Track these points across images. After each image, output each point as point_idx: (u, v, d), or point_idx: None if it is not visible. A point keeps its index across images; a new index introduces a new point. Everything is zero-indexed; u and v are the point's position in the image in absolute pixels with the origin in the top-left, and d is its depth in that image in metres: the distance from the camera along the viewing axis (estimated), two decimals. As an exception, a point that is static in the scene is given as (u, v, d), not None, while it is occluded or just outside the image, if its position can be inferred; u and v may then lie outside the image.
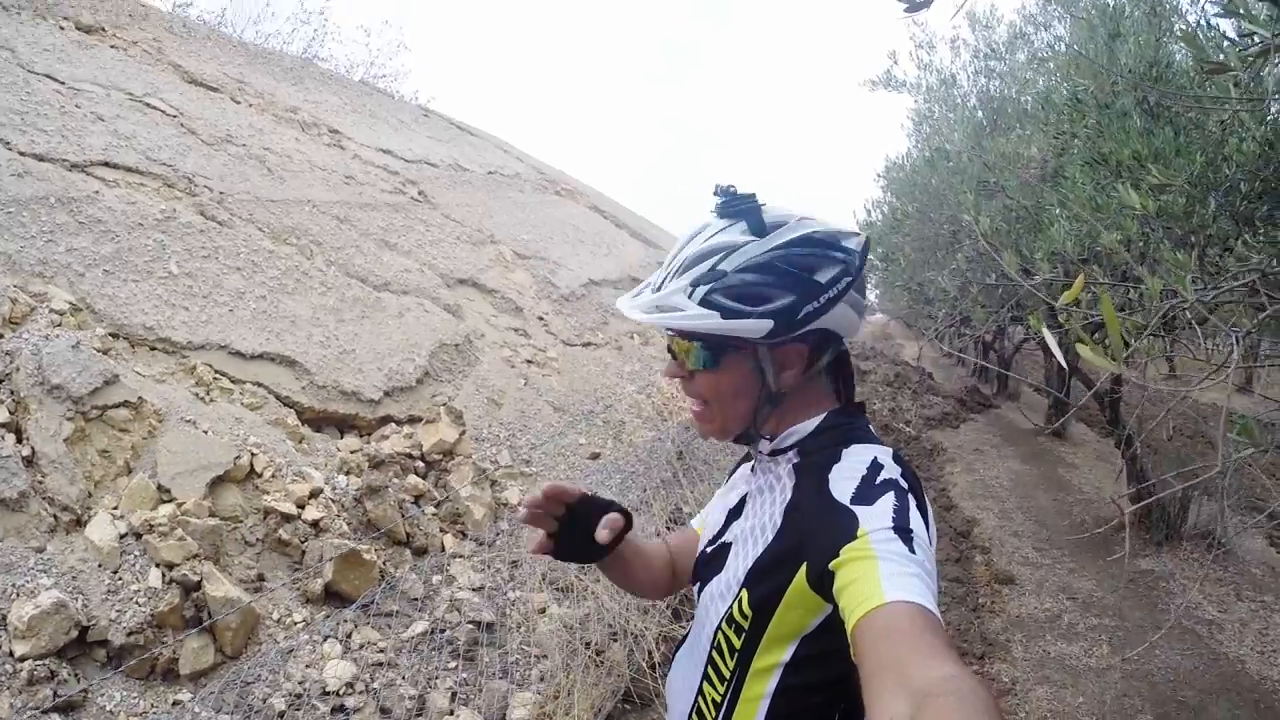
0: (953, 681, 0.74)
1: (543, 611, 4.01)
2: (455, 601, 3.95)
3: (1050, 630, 4.93)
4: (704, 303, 1.13)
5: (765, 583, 1.13)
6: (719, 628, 1.20)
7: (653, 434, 6.66)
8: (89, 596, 3.08)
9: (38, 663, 2.75)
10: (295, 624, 3.55)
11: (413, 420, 5.27)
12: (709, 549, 1.33)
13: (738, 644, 1.17)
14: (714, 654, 1.21)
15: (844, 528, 0.99)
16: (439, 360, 5.99)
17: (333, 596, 3.79)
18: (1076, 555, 6.14)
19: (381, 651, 3.53)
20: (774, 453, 1.24)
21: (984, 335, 11.80)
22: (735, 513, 1.31)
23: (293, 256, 5.85)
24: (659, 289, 1.19)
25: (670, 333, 1.23)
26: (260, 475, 3.98)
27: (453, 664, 3.57)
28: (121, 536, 3.32)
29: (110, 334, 4.19)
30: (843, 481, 1.08)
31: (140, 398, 3.84)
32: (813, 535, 1.06)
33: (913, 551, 0.94)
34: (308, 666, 3.31)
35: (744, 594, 1.15)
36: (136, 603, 3.13)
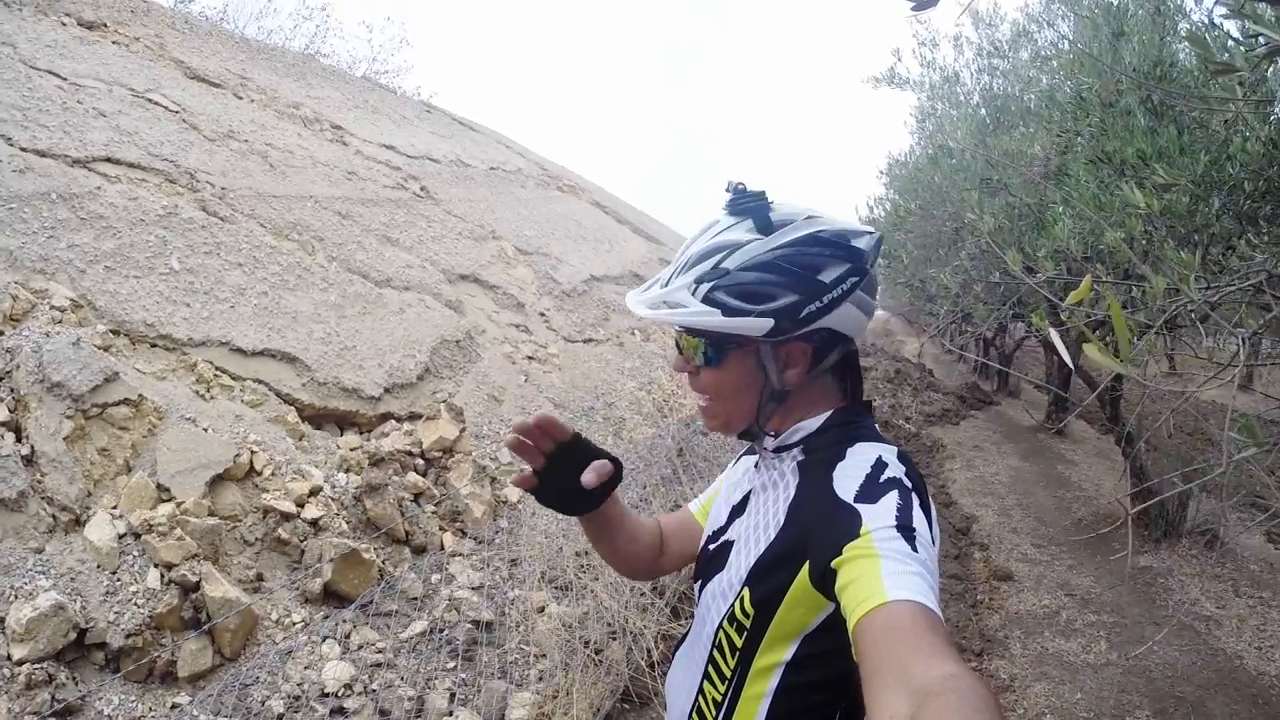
0: (953, 680, 0.74)
1: (542, 610, 4.01)
2: (454, 601, 3.95)
3: (1048, 627, 4.93)
4: (706, 300, 1.13)
5: (767, 581, 1.13)
6: (720, 626, 1.20)
7: (653, 430, 6.66)
8: (87, 598, 3.07)
9: (36, 666, 2.75)
10: (294, 624, 3.55)
11: (413, 417, 5.26)
12: (711, 546, 1.33)
13: (739, 642, 1.16)
14: (715, 652, 1.21)
15: (847, 526, 0.99)
16: (440, 357, 5.99)
17: (331, 596, 3.78)
18: (1075, 552, 6.14)
19: (380, 652, 3.53)
20: (778, 449, 1.24)
21: (985, 332, 11.79)
22: (738, 510, 1.30)
23: (294, 252, 5.84)
24: (666, 285, 1.19)
25: (678, 328, 1.22)
26: (260, 473, 3.98)
27: (451, 664, 3.57)
28: (120, 537, 3.31)
29: (111, 331, 4.19)
30: (847, 479, 1.08)
31: (140, 395, 3.83)
32: (816, 533, 1.06)
33: (915, 550, 0.93)
34: (306, 668, 3.31)
35: (746, 592, 1.15)
36: (135, 604, 3.13)
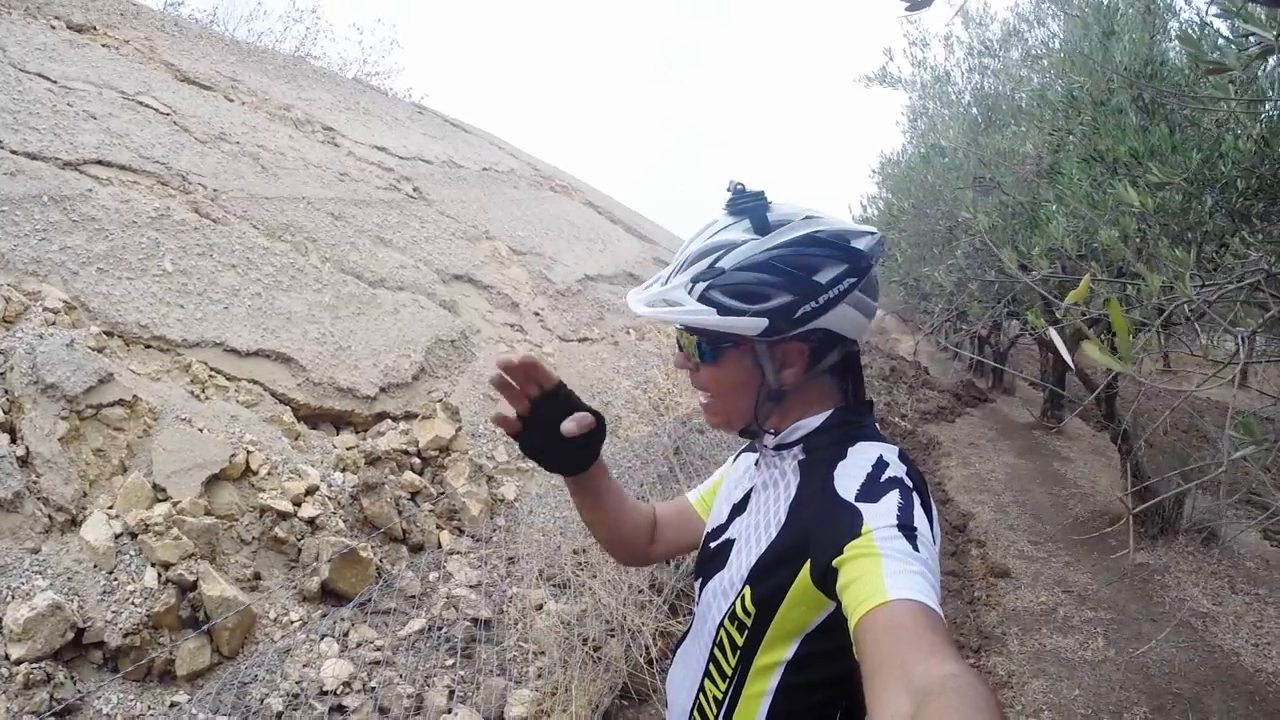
0: (954, 680, 0.74)
1: (540, 608, 4.01)
2: (452, 599, 3.95)
3: (1046, 623, 4.95)
4: (702, 299, 1.14)
5: (768, 580, 1.13)
6: (721, 625, 1.20)
7: (649, 429, 6.66)
8: (85, 598, 3.07)
9: (34, 666, 2.74)
10: (292, 623, 3.55)
11: (409, 416, 5.26)
12: (712, 544, 1.33)
13: (740, 641, 1.17)
14: (716, 651, 1.21)
15: (848, 525, 1.00)
16: (435, 356, 5.99)
17: (329, 595, 3.78)
18: (1072, 549, 6.16)
19: (379, 650, 3.53)
20: (778, 447, 1.24)
21: (979, 330, 11.83)
22: (739, 508, 1.31)
23: (287, 253, 5.83)
24: (666, 283, 1.19)
25: (679, 326, 1.23)
26: (256, 473, 3.97)
27: (450, 661, 3.57)
28: (117, 536, 3.31)
29: (104, 332, 4.18)
30: (848, 479, 1.09)
31: (135, 396, 3.83)
32: (817, 532, 1.06)
33: (916, 549, 0.94)
34: (305, 666, 3.31)
35: (747, 591, 1.15)
36: (132, 603, 3.12)
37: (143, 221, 5.02)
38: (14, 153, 4.82)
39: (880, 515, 0.99)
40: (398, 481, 4.49)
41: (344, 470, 4.46)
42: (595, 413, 1.30)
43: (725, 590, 1.20)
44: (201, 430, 3.99)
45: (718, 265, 1.14)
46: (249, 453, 4.01)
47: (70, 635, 2.90)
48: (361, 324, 5.72)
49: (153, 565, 3.27)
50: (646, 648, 3.67)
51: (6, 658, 2.77)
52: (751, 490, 1.30)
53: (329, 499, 4.11)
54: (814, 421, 1.22)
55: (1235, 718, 3.96)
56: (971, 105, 6.76)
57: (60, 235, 4.50)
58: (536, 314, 8.07)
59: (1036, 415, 11.37)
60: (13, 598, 2.91)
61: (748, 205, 1.16)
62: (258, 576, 3.65)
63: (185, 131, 6.45)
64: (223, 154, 6.53)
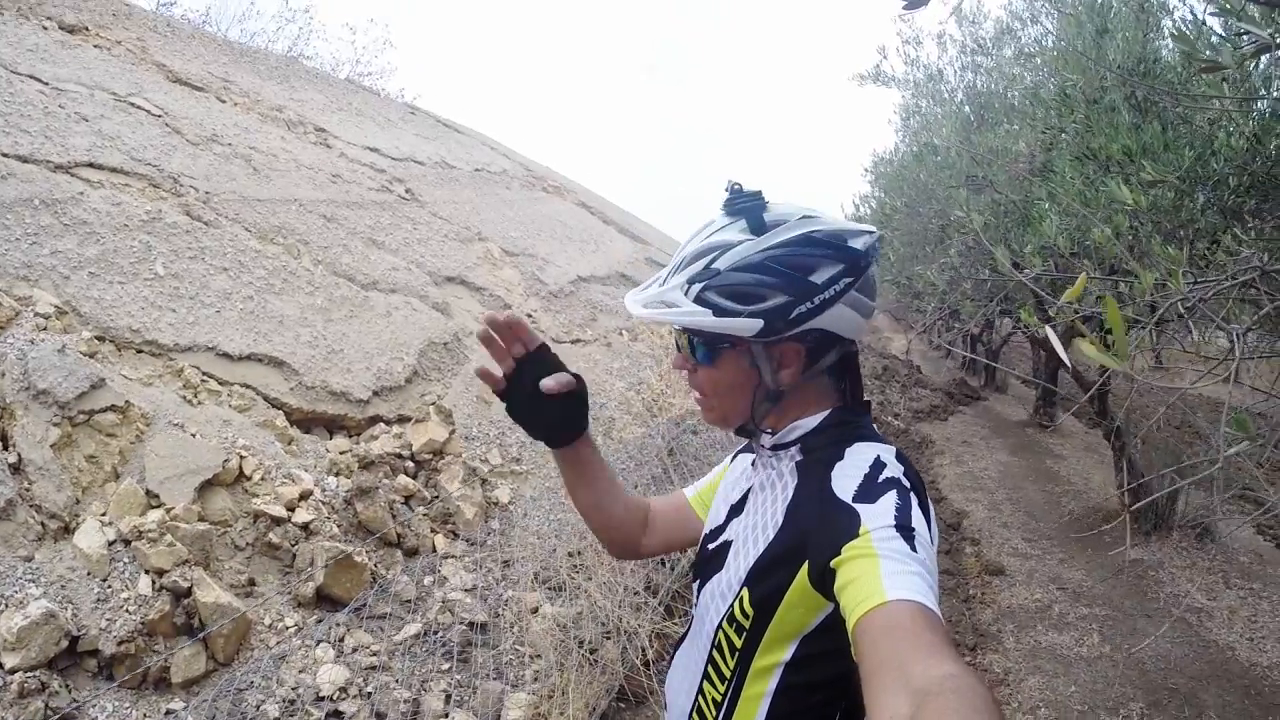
0: (953, 680, 0.74)
1: (535, 611, 4.00)
2: (448, 602, 3.94)
3: (1041, 620, 4.96)
4: (698, 300, 1.13)
5: (766, 581, 1.13)
6: (720, 626, 1.20)
7: (642, 430, 6.65)
8: (79, 606, 3.05)
9: (28, 675, 2.73)
10: (287, 628, 3.54)
11: (402, 420, 5.25)
12: (710, 546, 1.33)
13: (739, 643, 1.17)
14: (714, 653, 1.21)
15: (846, 526, 1.00)
16: (428, 359, 5.97)
17: (324, 600, 3.77)
18: (1066, 546, 6.18)
19: (374, 655, 3.52)
20: (775, 448, 1.24)
21: (972, 329, 11.85)
22: (737, 509, 1.30)
23: (280, 256, 5.81)
24: (664, 284, 1.19)
25: (676, 327, 1.22)
26: (249, 478, 3.96)
27: (446, 666, 3.56)
28: (110, 543, 3.29)
29: (96, 337, 4.16)
30: (845, 479, 1.09)
31: (127, 401, 3.81)
32: (814, 533, 1.06)
33: (914, 550, 0.94)
34: (301, 672, 3.30)
35: (745, 593, 1.15)
36: (127, 611, 3.11)
37: (134, 225, 5.00)
38: (5, 155, 4.79)
39: (878, 516, 0.99)
40: (391, 485, 4.48)
41: (337, 474, 4.45)
42: (576, 375, 1.33)
43: (723, 592, 1.20)
44: (194, 435, 3.97)
45: (713, 266, 1.13)
46: (242, 458, 3.99)
47: (64, 644, 2.88)
48: (354, 327, 5.70)
49: (147, 572, 3.26)
50: (643, 650, 3.67)
51: (1, 667, 2.75)
52: (749, 491, 1.30)
53: (323, 504, 4.10)
54: (811, 422, 1.21)
55: (1231, 712, 3.98)
56: (964, 103, 6.76)
57: (51, 239, 4.48)
58: (529, 315, 8.06)
59: (1029, 413, 11.40)
60: (6, 606, 2.89)
61: (744, 205, 1.15)
62: (252, 582, 3.64)
63: (177, 133, 6.42)
64: (215, 156, 6.51)
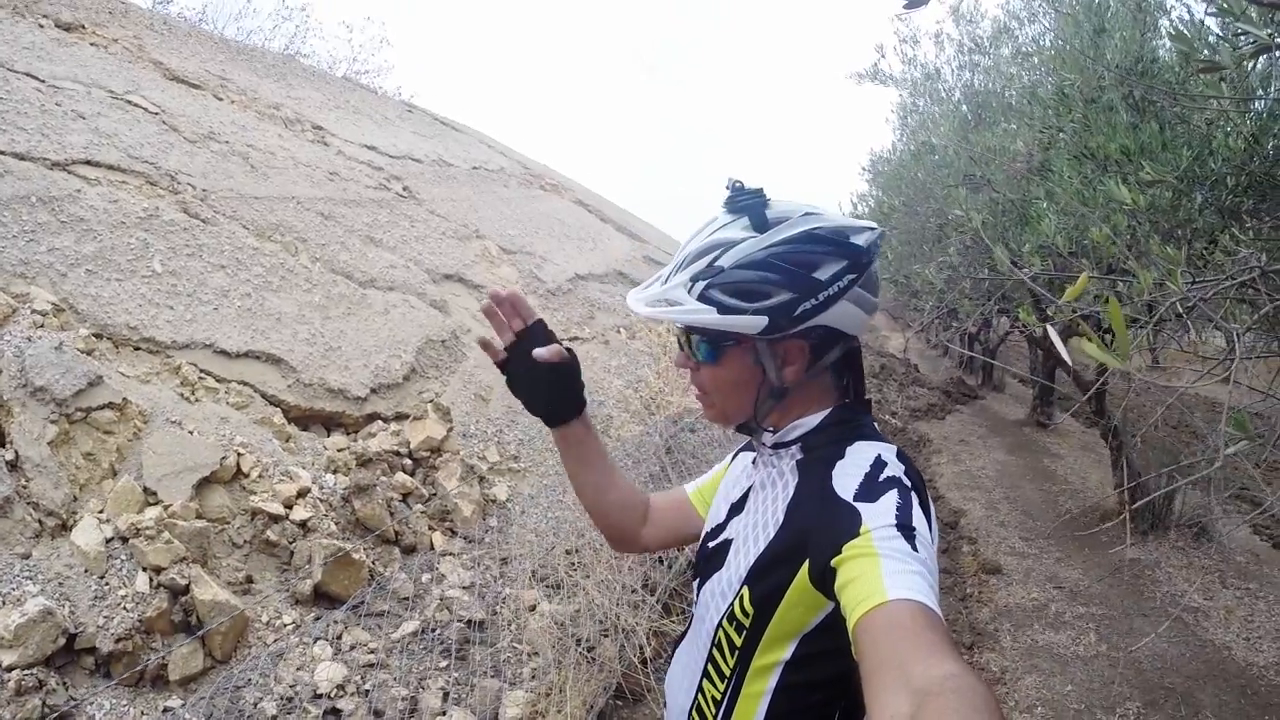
0: (953, 680, 0.74)
1: (533, 608, 4.01)
2: (445, 600, 3.94)
3: (1038, 619, 4.97)
4: (702, 298, 1.13)
5: (767, 580, 1.13)
6: (720, 625, 1.20)
7: (640, 428, 6.65)
8: (76, 603, 3.05)
9: (26, 672, 2.72)
10: (285, 626, 3.54)
11: (400, 417, 5.25)
12: (710, 544, 1.33)
13: (738, 641, 1.17)
14: (714, 651, 1.21)
15: (847, 525, 1.00)
16: (425, 356, 5.97)
17: (322, 597, 3.77)
18: (1063, 545, 6.18)
19: (372, 652, 3.52)
20: (777, 446, 1.24)
21: (969, 328, 11.87)
22: (737, 507, 1.31)
23: (277, 254, 5.81)
24: (666, 282, 1.19)
25: (679, 325, 1.22)
26: (247, 475, 3.96)
27: (444, 663, 3.56)
28: (108, 541, 3.29)
29: (94, 334, 4.15)
30: (846, 478, 1.09)
31: (125, 399, 3.80)
32: (815, 532, 1.06)
33: (915, 549, 0.94)
34: (299, 669, 3.30)
35: (745, 591, 1.15)
36: (124, 608, 3.10)
37: (131, 222, 4.99)
38: (2, 153, 4.78)
39: (879, 515, 0.99)
40: (389, 483, 4.47)
41: (335, 472, 4.45)
42: (568, 349, 1.37)
43: (723, 590, 1.21)
44: (192, 433, 3.97)
45: (717, 264, 1.13)
46: (240, 455, 3.99)
47: (62, 641, 2.88)
48: (352, 324, 5.70)
49: (144, 570, 3.26)
50: (640, 647, 3.67)
51: (-2, 664, 2.75)
52: (749, 490, 1.30)
53: (320, 501, 4.10)
54: (812, 420, 1.22)
55: (1227, 712, 3.99)
56: (962, 103, 6.78)
57: (48, 236, 4.47)
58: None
59: (1027, 412, 11.41)
60: (4, 604, 2.88)
61: (746, 203, 1.15)
62: (250, 580, 3.63)
63: (174, 131, 6.41)
64: (212, 153, 6.49)
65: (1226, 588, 5.34)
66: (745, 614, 1.15)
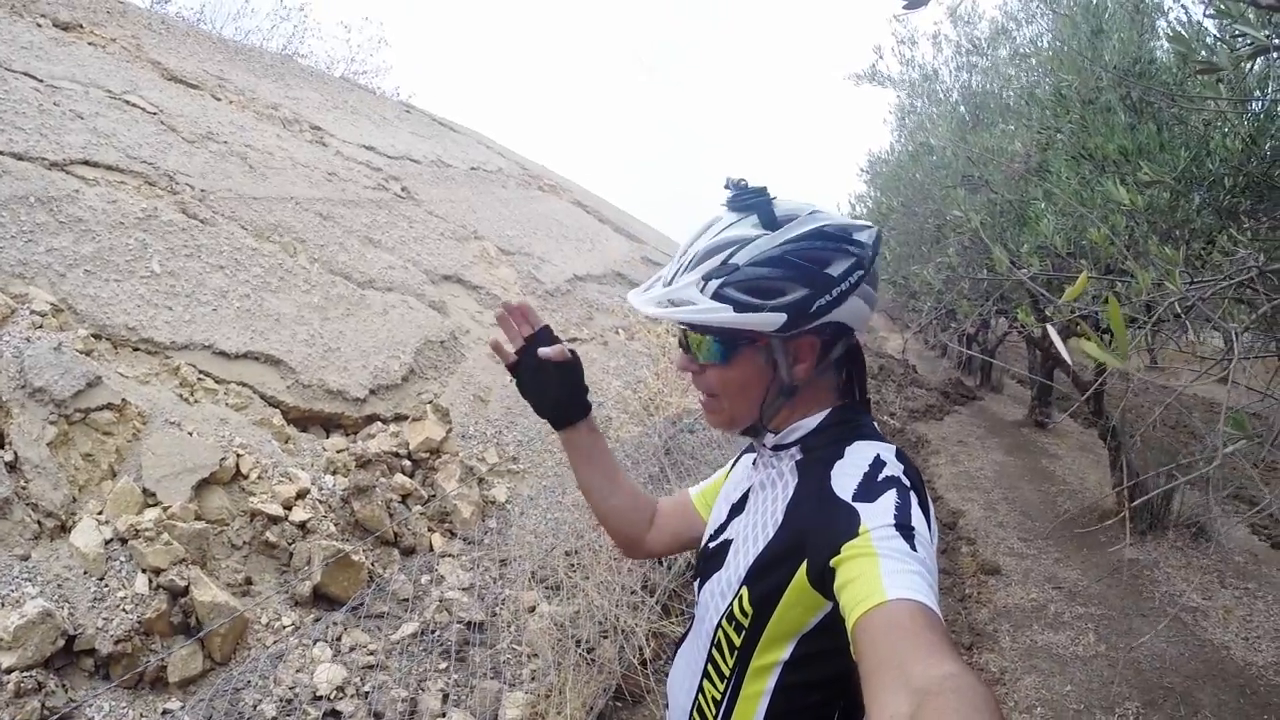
0: (953, 680, 0.74)
1: (533, 610, 4.01)
2: (445, 601, 3.94)
3: (1037, 620, 4.97)
4: (716, 296, 1.12)
5: (766, 580, 1.13)
6: (719, 625, 1.20)
7: (639, 429, 6.66)
8: (75, 605, 3.05)
9: (25, 674, 2.72)
10: (284, 627, 3.53)
11: (399, 418, 5.24)
12: (710, 545, 1.33)
13: (738, 641, 1.17)
14: (714, 651, 1.22)
15: (845, 525, 1.00)
16: (424, 357, 5.97)
17: (321, 599, 3.76)
18: (1062, 545, 6.19)
19: (372, 654, 3.51)
20: (776, 448, 1.24)
21: (968, 329, 11.88)
22: (737, 508, 1.31)
23: (276, 254, 5.80)
24: (670, 283, 1.18)
25: (682, 326, 1.22)
26: (246, 477, 3.96)
27: (443, 665, 3.56)
28: (107, 542, 3.29)
29: (92, 335, 4.15)
30: (845, 478, 1.09)
31: (124, 400, 3.80)
32: (814, 532, 1.06)
33: (914, 549, 0.94)
34: (298, 671, 3.29)
35: (744, 591, 1.15)
36: (124, 610, 3.10)
37: (130, 222, 4.99)
38: (0, 153, 4.78)
39: (877, 515, 0.99)
40: (388, 484, 4.47)
41: (334, 473, 4.45)
42: (572, 351, 1.42)
43: (723, 590, 1.21)
44: (191, 434, 3.97)
45: (730, 261, 1.13)
46: (239, 456, 3.99)
47: (61, 643, 2.88)
48: (350, 325, 5.70)
49: (143, 571, 3.25)
50: (640, 649, 3.67)
51: (-4, 665, 2.74)
52: (749, 490, 1.30)
53: (320, 502, 4.09)
54: (811, 422, 1.22)
55: (1226, 711, 3.99)
56: (960, 104, 6.78)
57: (47, 237, 4.46)
58: (526, 314, 8.04)
59: (1025, 413, 11.42)
60: (3, 605, 2.88)
61: (753, 201, 1.15)
62: (249, 581, 3.63)
63: (172, 131, 6.41)
64: (210, 154, 6.49)
65: (1225, 587, 5.35)
66: (744, 614, 1.15)
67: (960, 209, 4.36)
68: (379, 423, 5.15)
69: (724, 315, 1.12)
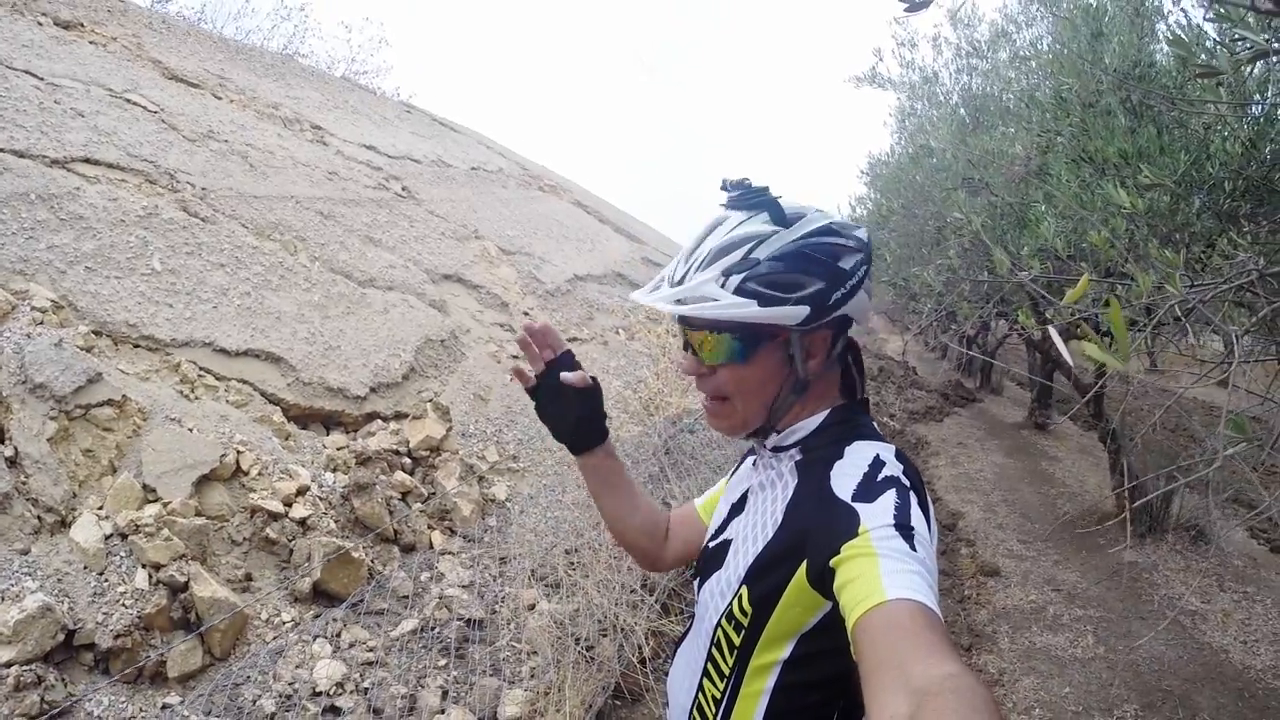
0: (953, 680, 0.75)
1: (532, 608, 4.01)
2: (444, 599, 3.94)
3: (1036, 621, 4.98)
4: (739, 291, 1.13)
5: (765, 580, 1.13)
6: (719, 624, 1.21)
7: (639, 429, 6.66)
8: (75, 599, 3.05)
9: (24, 668, 2.72)
10: (284, 623, 3.54)
11: (399, 417, 5.25)
12: (710, 545, 1.34)
13: (737, 641, 1.17)
14: (714, 650, 1.22)
15: (845, 525, 1.00)
16: (425, 356, 5.97)
17: (321, 595, 3.77)
18: (1061, 547, 6.19)
19: (371, 650, 3.52)
20: (776, 449, 1.25)
21: (968, 330, 11.88)
22: (737, 509, 1.31)
23: (276, 253, 5.81)
24: (680, 282, 1.18)
25: (689, 328, 1.21)
26: (247, 473, 3.96)
27: (443, 662, 3.56)
28: (107, 537, 3.29)
29: (93, 331, 4.15)
30: (844, 478, 1.09)
31: (124, 396, 3.81)
32: (813, 532, 1.07)
33: (914, 549, 0.94)
34: (297, 667, 3.30)
35: (744, 591, 1.16)
36: (123, 605, 3.11)
37: (131, 220, 5.00)
38: (1, 150, 4.78)
39: (877, 515, 1.00)
40: (388, 482, 4.48)
41: (335, 470, 4.45)
42: (593, 378, 1.41)
43: (723, 590, 1.21)
44: (191, 430, 3.97)
45: (752, 256, 1.13)
46: (239, 453, 3.99)
47: (61, 637, 2.88)
48: (351, 324, 5.70)
49: (143, 566, 3.26)
50: (639, 647, 3.67)
51: (-4, 660, 2.75)
52: (748, 491, 1.31)
53: (320, 499, 4.10)
54: (812, 423, 1.22)
55: (1224, 715, 4.00)
56: (960, 106, 6.77)
57: (48, 234, 4.47)
58: (526, 314, 8.06)
59: (1024, 415, 11.43)
60: (2, 600, 2.88)
61: (763, 199, 1.17)
62: (249, 577, 3.64)
63: (173, 129, 6.41)
64: (211, 152, 6.50)
65: (1224, 591, 5.35)
66: (744, 613, 1.15)
67: (960, 211, 4.37)
68: (379, 420, 5.15)
69: (749, 310, 1.12)
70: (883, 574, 0.90)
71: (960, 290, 5.80)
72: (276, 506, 3.86)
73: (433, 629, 3.72)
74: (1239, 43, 1.85)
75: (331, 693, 3.21)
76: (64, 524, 3.30)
